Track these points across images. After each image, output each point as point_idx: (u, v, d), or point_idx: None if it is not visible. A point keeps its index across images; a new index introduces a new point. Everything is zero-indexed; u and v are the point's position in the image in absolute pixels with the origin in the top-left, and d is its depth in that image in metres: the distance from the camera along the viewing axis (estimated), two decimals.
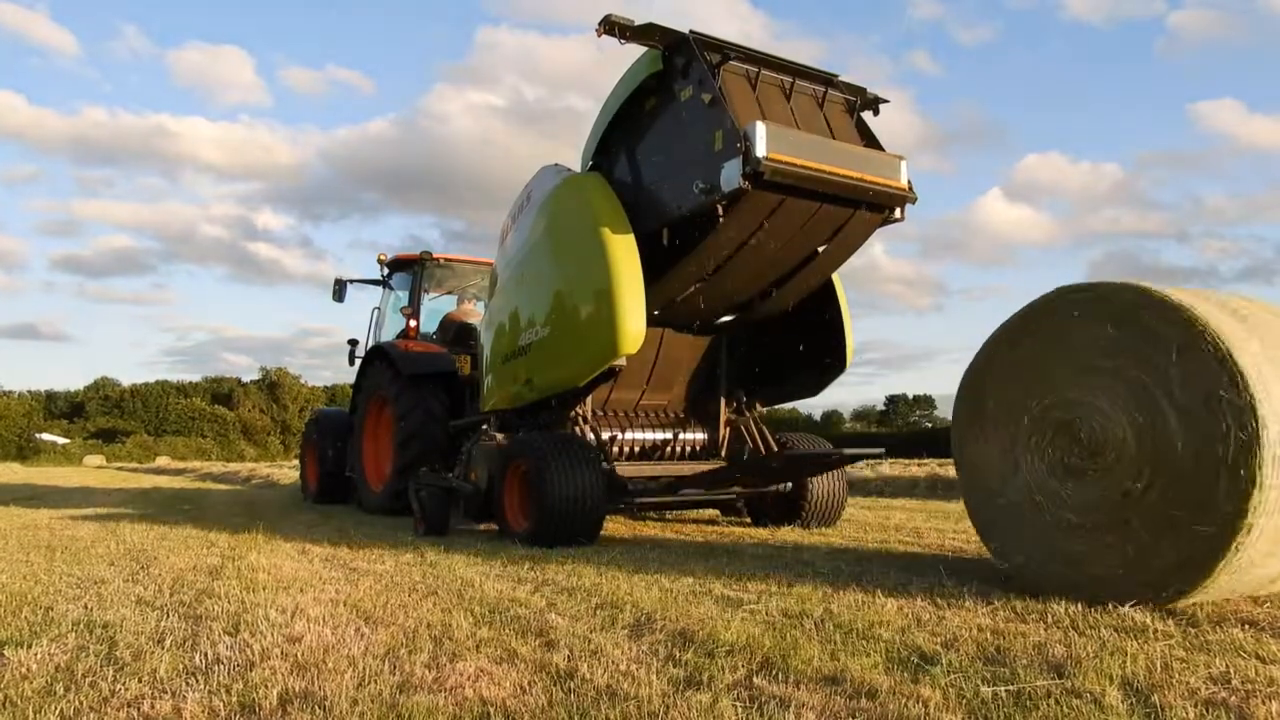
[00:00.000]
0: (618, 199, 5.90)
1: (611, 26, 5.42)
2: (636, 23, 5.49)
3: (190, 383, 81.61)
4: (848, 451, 6.52)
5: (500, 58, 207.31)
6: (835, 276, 6.43)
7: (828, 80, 5.89)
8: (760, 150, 5.00)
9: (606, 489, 5.80)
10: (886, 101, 6.13)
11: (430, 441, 8.26)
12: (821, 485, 6.79)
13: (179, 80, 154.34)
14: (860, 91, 6.04)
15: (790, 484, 6.83)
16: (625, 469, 6.10)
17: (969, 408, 4.23)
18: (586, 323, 5.74)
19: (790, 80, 5.70)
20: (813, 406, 72.83)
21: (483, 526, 7.03)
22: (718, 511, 7.90)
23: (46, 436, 65.49)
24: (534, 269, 6.38)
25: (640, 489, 6.12)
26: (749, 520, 7.39)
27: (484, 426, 7.34)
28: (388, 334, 10.40)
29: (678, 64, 5.54)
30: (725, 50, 5.52)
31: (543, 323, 6.17)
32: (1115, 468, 3.54)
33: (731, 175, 5.11)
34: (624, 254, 5.58)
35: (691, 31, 5.46)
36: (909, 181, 5.70)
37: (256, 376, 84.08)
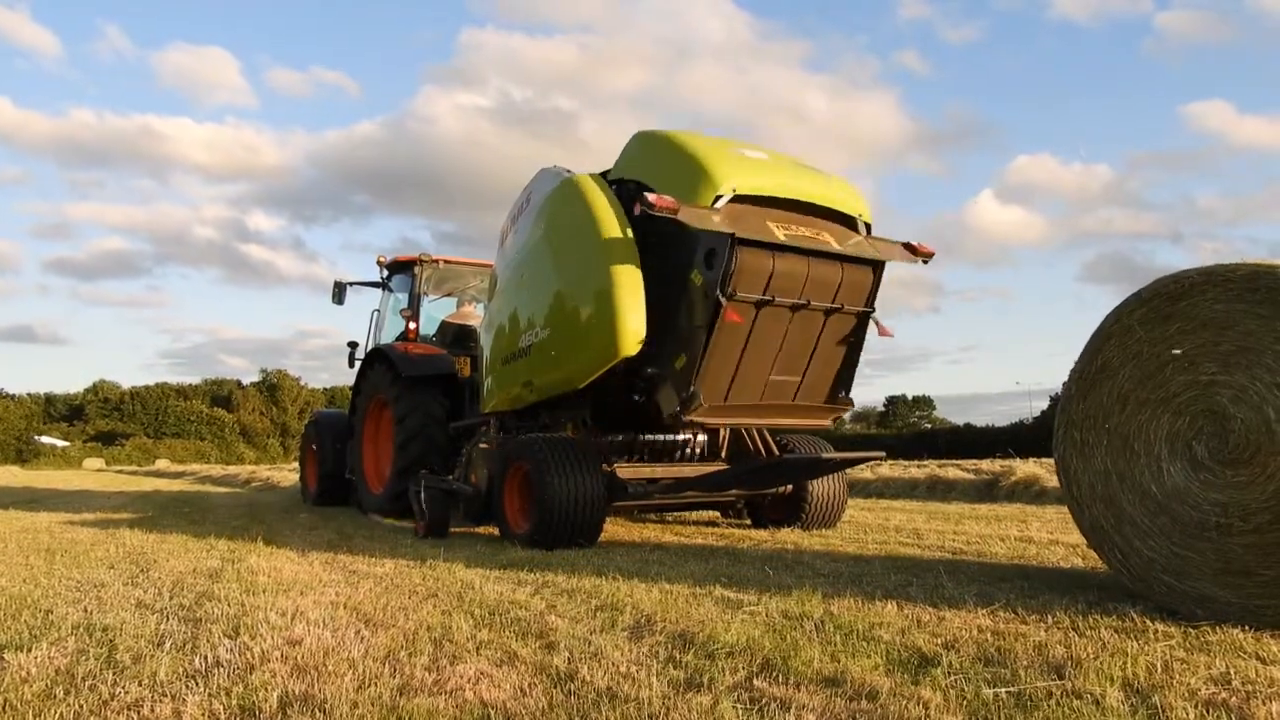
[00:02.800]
0: (618, 200, 5.91)
1: (650, 207, 5.24)
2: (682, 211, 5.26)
3: (190, 385, 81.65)
4: (848, 455, 6.51)
5: (486, 59, 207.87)
6: None
7: (871, 264, 5.83)
8: (689, 416, 5.44)
9: (606, 491, 5.80)
10: (931, 254, 6.09)
11: (430, 443, 8.25)
12: (822, 487, 6.78)
13: (164, 81, 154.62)
14: (906, 252, 6.02)
15: (791, 485, 6.83)
16: (625, 471, 6.10)
17: (1086, 398, 3.75)
18: (586, 324, 5.73)
19: (804, 303, 5.60)
20: None
21: (483, 529, 7.03)
22: (718, 513, 7.90)
23: (46, 439, 65.52)
24: (534, 270, 6.38)
25: (640, 491, 6.11)
26: (749, 522, 7.39)
27: (484, 428, 7.34)
28: (387, 336, 10.38)
29: (706, 246, 5.39)
30: (758, 248, 5.36)
31: (543, 324, 6.16)
32: (1270, 462, 3.17)
33: (667, 403, 5.56)
34: (623, 255, 5.58)
35: (735, 236, 5.24)
36: (835, 420, 6.32)
37: (256, 379, 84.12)
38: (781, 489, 6.86)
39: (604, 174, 6.22)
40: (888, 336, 6.07)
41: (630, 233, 5.70)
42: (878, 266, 5.87)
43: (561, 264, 6.09)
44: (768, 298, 5.48)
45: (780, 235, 5.43)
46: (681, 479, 6.27)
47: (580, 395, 6.10)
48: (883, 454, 7.92)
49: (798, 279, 5.55)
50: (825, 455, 6.36)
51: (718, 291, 5.27)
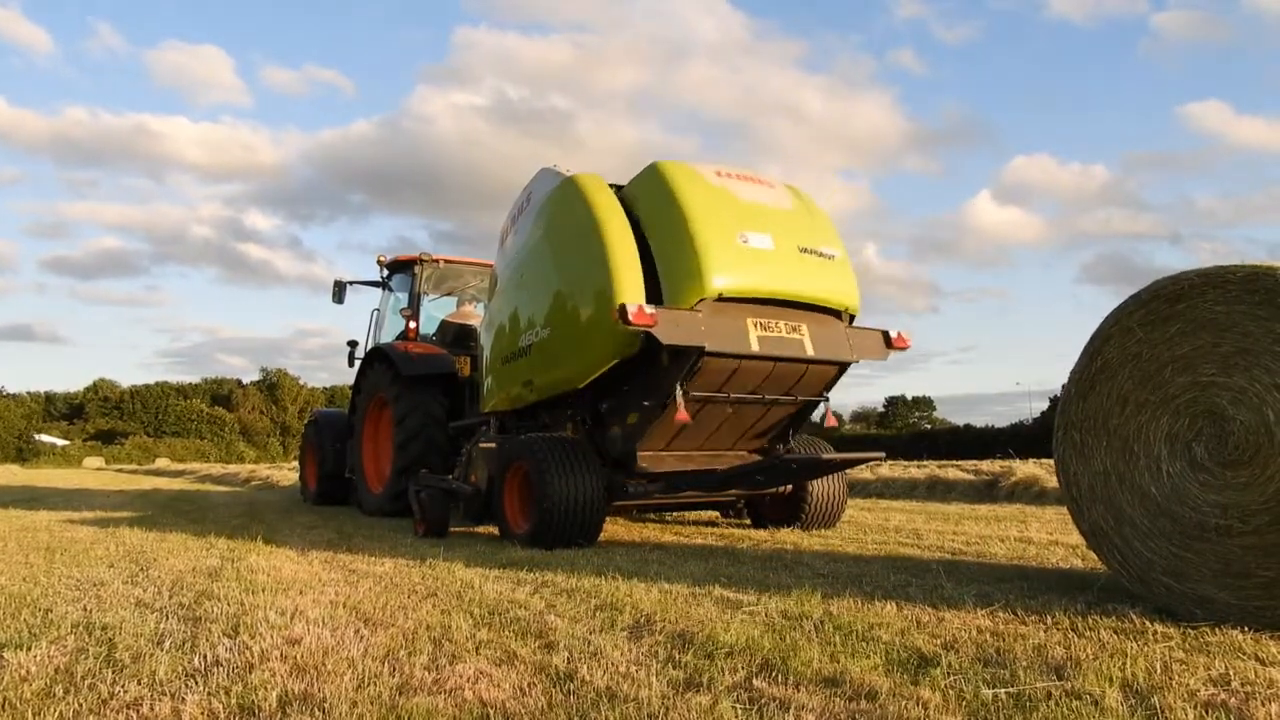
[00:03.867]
0: (617, 202, 5.91)
1: (628, 322, 5.21)
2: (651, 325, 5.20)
3: (190, 384, 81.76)
4: (848, 456, 6.49)
5: (480, 58, 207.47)
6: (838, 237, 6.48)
7: (839, 366, 6.02)
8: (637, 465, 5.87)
9: (606, 491, 5.81)
10: (907, 347, 6.24)
11: (430, 443, 8.26)
12: (822, 487, 6.79)
13: (159, 80, 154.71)
14: (881, 346, 6.17)
15: (790, 486, 6.83)
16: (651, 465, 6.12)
17: (1085, 400, 3.73)
18: (587, 323, 5.73)
19: (759, 397, 5.88)
20: None
21: (482, 528, 7.04)
22: (718, 513, 7.90)
23: (46, 438, 65.55)
24: (534, 270, 6.38)
25: (640, 491, 6.11)
26: (749, 522, 7.39)
27: (484, 428, 7.33)
28: (387, 335, 10.38)
29: (676, 349, 5.45)
30: (727, 356, 5.47)
31: (543, 324, 6.16)
32: (1270, 464, 3.17)
33: (612, 446, 6.01)
34: (624, 254, 5.58)
35: (705, 349, 5.33)
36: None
37: (255, 378, 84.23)
38: (781, 489, 6.86)
39: (615, 188, 6.16)
40: (833, 426, 6.32)
41: (631, 232, 5.71)
42: (845, 363, 6.06)
43: (562, 263, 6.09)
44: (723, 394, 5.69)
45: (754, 343, 5.54)
46: (681, 478, 6.26)
47: (580, 395, 6.10)
48: (883, 454, 7.91)
49: (759, 375, 5.77)
50: (826, 456, 6.34)
51: (677, 384, 5.45)
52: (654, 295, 5.59)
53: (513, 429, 6.98)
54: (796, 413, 6.29)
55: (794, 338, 5.72)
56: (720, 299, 5.51)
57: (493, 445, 6.69)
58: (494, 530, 6.57)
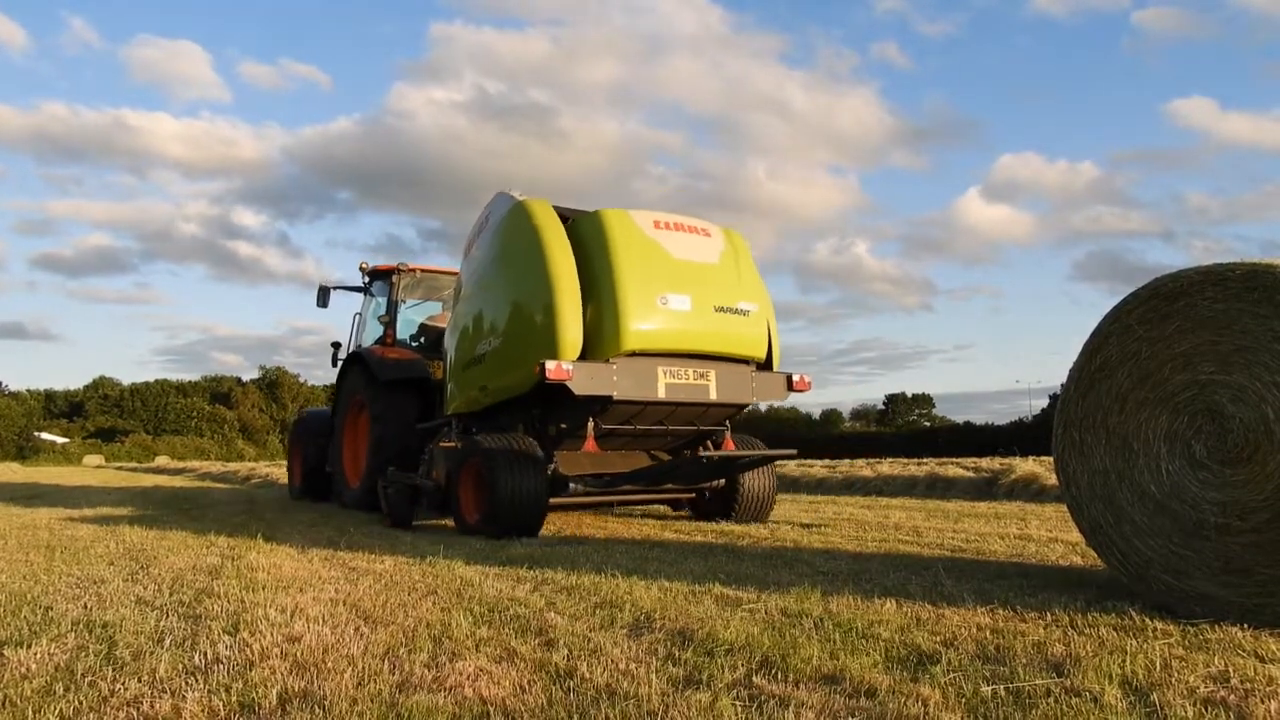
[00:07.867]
0: (561, 224, 6.43)
1: (543, 371, 5.83)
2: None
3: (189, 382, 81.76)
4: (754, 453, 6.95)
5: (457, 53, 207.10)
6: (761, 284, 6.92)
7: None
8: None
9: (550, 486, 6.27)
10: (808, 388, 6.91)
11: (401, 442, 8.70)
12: (751, 482, 7.32)
13: (136, 76, 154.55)
14: (783, 389, 6.82)
15: (724, 481, 7.32)
16: (568, 468, 6.56)
17: (1085, 398, 3.73)
18: (532, 334, 6.25)
19: (663, 428, 6.64)
20: (812, 406, 73.74)
21: (446, 521, 7.39)
22: (669, 507, 8.28)
23: (46, 436, 65.53)
24: (490, 285, 6.94)
25: (581, 488, 6.50)
26: (688, 514, 7.87)
27: (446, 429, 7.84)
28: (368, 339, 10.83)
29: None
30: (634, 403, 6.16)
31: (496, 334, 6.70)
32: (1269, 461, 3.16)
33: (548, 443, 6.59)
34: (564, 272, 6.15)
35: (613, 398, 6.02)
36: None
37: (254, 375, 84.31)
38: (716, 484, 7.36)
39: (566, 219, 6.57)
40: (729, 450, 6.85)
41: (571, 254, 6.23)
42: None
43: (512, 279, 6.61)
44: (630, 427, 6.44)
45: (661, 390, 6.22)
46: (619, 474, 6.66)
47: (530, 398, 6.50)
48: (794, 451, 8.57)
49: (664, 413, 6.46)
50: (736, 452, 6.83)
51: (589, 419, 6.20)
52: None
53: (472, 429, 7.36)
54: (700, 438, 7.02)
55: (700, 383, 6.38)
56: (633, 354, 6.12)
57: (452, 445, 7.24)
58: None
